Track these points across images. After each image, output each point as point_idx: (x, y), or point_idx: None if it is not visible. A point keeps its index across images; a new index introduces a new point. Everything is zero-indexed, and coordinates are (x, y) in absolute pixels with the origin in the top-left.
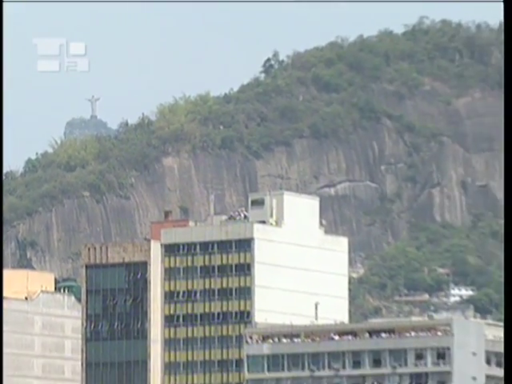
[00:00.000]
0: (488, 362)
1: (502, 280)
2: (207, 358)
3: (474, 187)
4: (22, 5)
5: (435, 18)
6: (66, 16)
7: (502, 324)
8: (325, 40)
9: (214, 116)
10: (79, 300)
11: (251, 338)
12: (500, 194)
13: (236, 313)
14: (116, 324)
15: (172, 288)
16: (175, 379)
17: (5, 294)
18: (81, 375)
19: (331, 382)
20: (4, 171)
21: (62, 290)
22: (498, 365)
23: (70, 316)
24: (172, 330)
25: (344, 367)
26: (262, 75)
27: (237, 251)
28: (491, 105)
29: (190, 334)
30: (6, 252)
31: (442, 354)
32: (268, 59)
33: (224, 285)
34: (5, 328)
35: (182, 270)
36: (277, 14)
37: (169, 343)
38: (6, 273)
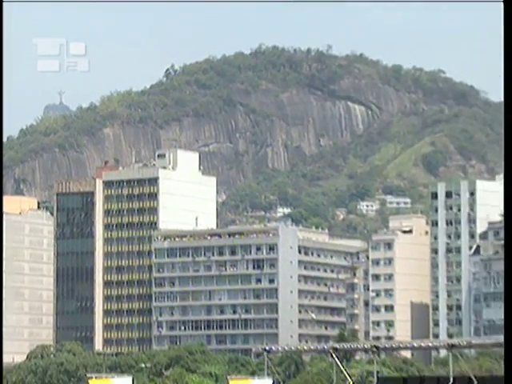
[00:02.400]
0: (299, 252)
1: (309, 202)
2: (131, 249)
3: (292, 147)
4: (22, 5)
5: (269, 44)
6: (66, 16)
7: (309, 230)
8: (202, 56)
9: (135, 103)
10: (52, 214)
11: (157, 237)
12: (308, 151)
13: (148, 222)
14: (75, 229)
15: (108, 207)
16: (111, 261)
17: (7, 210)
18: (53, 260)
19: (205, 265)
20: (6, 136)
21: (42, 209)
22: (305, 254)
23: (46, 224)
24: (109, 232)
25: (213, 255)
26: (164, 78)
27: (148, 185)
28: (302, 98)
29: (120, 235)
30: (8, 185)
31: (272, 248)
32: (167, 69)
33: (141, 205)
34: (6, 231)
35: (115, 197)
36: (172, 38)
37: (107, 241)
38: (7, 198)
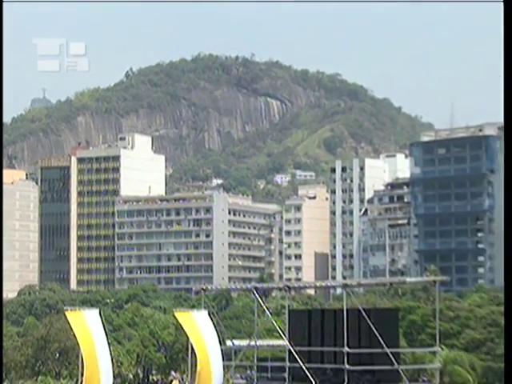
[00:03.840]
0: (229, 213)
1: (237, 175)
2: (98, 211)
3: (224, 132)
4: (22, 5)
5: (206, 52)
6: (66, 16)
7: (237, 196)
8: (154, 61)
9: (102, 97)
10: (37, 183)
11: (119, 202)
12: (236, 135)
13: (112, 190)
14: (55, 195)
15: (81, 179)
16: (83, 220)
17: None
18: (38, 219)
19: (156, 223)
20: None
21: (29, 179)
22: (234, 215)
23: (32, 191)
24: (81, 198)
25: (162, 216)
26: (124, 78)
27: (112, 161)
28: (231, 94)
29: (90, 200)
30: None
31: (208, 210)
32: (127, 71)
33: (105, 177)
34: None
35: (86, 170)
36: (130, 47)
37: (80, 204)
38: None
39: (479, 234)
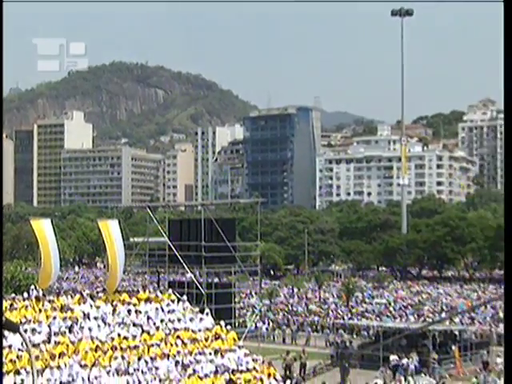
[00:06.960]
0: (132, 159)
1: (137, 136)
2: (50, 158)
3: (129, 110)
4: (22, 5)
5: (117, 59)
6: (66, 16)
7: (137, 149)
8: (86, 66)
9: (53, 88)
10: (12, 140)
11: (63, 151)
12: (136, 112)
13: (59, 145)
14: (23, 148)
15: (39, 138)
16: (41, 164)
17: None
18: (12, 164)
19: (86, 165)
20: None
21: (8, 138)
22: (135, 160)
23: (10, 146)
24: (40, 150)
25: (90, 161)
26: (67, 76)
27: (59, 127)
28: (134, 86)
29: (45, 152)
30: None
31: (119, 157)
32: (69, 71)
33: (55, 137)
34: None
35: (43, 133)
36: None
37: (39, 154)
38: None
39: (284, 174)
